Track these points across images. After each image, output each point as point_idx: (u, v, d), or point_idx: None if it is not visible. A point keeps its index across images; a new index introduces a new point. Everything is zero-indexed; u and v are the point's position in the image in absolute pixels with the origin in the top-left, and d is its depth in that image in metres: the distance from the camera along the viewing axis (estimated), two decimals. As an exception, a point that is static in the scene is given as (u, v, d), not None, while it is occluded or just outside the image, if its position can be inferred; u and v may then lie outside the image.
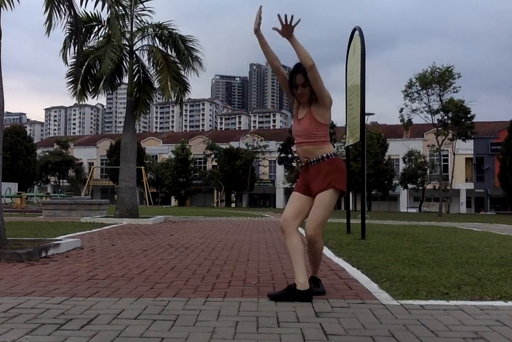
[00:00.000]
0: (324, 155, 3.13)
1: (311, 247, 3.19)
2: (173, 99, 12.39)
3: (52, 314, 2.60)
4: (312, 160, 3.15)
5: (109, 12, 7.07)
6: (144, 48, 12.50)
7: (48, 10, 6.26)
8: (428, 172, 44.29)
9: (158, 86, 12.39)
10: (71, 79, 11.78)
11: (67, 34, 9.70)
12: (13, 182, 34.69)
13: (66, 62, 9.59)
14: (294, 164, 46.92)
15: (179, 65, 12.30)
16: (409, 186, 45.05)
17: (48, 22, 6.31)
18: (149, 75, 12.76)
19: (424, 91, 29.97)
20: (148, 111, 13.19)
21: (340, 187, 3.10)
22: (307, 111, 3.18)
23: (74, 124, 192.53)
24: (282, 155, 49.02)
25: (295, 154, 42.37)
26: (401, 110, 31.64)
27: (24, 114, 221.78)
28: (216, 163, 53.53)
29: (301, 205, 3.16)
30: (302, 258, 3.04)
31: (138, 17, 12.30)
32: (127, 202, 11.77)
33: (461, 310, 2.78)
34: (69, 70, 11.53)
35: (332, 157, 3.14)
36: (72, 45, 8.59)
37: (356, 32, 7.98)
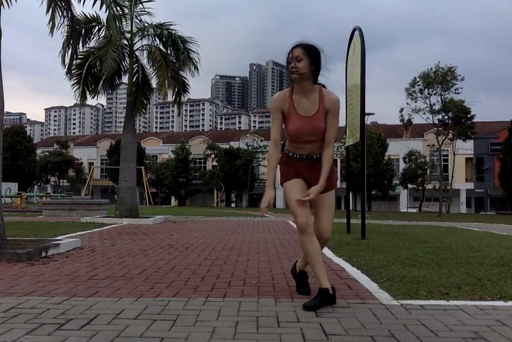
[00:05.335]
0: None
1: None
2: (170, 98, 12.43)
3: (52, 314, 2.60)
4: (316, 156, 3.05)
5: (107, 11, 7.05)
6: (144, 48, 12.51)
7: (51, 10, 6.24)
8: (428, 171, 44.30)
9: (156, 85, 12.41)
10: (75, 81, 11.76)
11: (65, 37, 9.68)
12: (13, 182, 34.68)
13: (64, 65, 9.55)
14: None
15: (177, 64, 12.30)
16: (409, 186, 45.05)
17: (51, 22, 6.28)
18: (148, 76, 12.78)
19: (427, 91, 29.97)
20: (144, 111, 13.23)
21: (336, 187, 3.14)
22: (318, 108, 2.97)
23: (74, 124, 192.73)
24: (282, 155, 48.98)
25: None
26: (401, 110, 31.64)
27: (24, 114, 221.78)
28: (216, 163, 53.51)
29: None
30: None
31: (138, 17, 12.31)
32: (127, 201, 11.76)
33: (461, 310, 2.78)
34: (73, 71, 11.50)
35: None
36: (70, 47, 8.55)
37: (356, 32, 7.96)
